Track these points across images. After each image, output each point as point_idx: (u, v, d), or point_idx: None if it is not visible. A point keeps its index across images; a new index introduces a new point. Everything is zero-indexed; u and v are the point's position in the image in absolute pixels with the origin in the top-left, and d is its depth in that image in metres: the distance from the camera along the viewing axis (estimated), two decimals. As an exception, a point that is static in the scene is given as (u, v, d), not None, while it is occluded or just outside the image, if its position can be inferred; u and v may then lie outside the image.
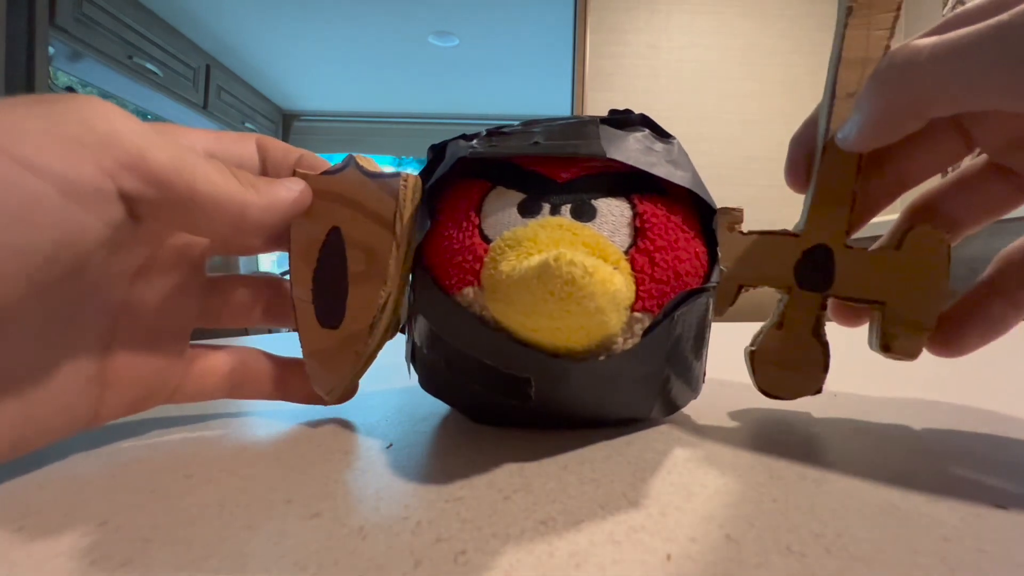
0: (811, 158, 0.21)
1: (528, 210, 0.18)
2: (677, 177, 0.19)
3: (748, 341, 0.23)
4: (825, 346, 0.21)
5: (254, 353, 0.21)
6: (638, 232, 0.18)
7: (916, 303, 0.20)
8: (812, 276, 0.21)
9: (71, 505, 0.14)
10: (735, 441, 0.19)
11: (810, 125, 0.21)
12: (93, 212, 0.13)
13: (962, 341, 0.20)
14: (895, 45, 0.19)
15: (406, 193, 0.18)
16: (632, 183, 0.19)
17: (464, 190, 0.19)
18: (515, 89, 2.94)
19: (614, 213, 0.18)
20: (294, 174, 0.19)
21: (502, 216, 0.18)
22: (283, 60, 2.65)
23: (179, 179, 0.14)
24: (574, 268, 0.13)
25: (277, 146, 0.20)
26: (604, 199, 0.18)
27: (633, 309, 0.17)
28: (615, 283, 0.14)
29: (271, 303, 0.22)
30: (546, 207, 0.18)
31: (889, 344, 0.20)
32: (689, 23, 1.76)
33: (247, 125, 2.82)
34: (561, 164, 0.19)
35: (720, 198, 0.20)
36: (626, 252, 0.18)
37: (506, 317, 0.16)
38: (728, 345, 0.21)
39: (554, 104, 2.99)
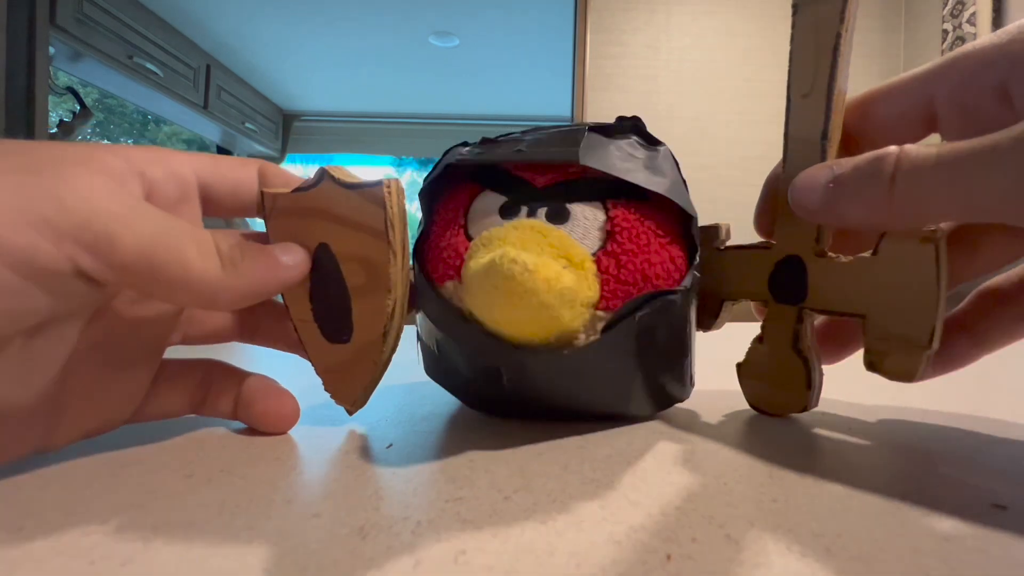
0: (777, 201, 0.21)
1: (508, 212, 0.19)
2: (653, 183, 0.19)
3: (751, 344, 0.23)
4: (806, 361, 0.20)
5: (221, 369, 0.21)
6: (608, 236, 0.19)
7: (900, 315, 0.17)
8: (786, 288, 0.21)
9: (71, 505, 0.14)
10: (735, 442, 0.19)
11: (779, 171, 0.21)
12: (47, 289, 0.13)
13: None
14: (849, 34, 0.19)
15: (392, 200, 0.18)
16: (612, 189, 0.19)
17: (458, 193, 0.21)
18: (515, 89, 2.93)
19: (587, 217, 0.19)
20: (261, 194, 0.19)
21: (485, 218, 0.20)
22: (283, 60, 2.65)
23: (146, 265, 0.14)
24: (514, 265, 0.15)
25: (278, 174, 0.20)
26: (579, 204, 0.19)
27: (597, 308, 0.18)
28: (562, 281, 0.16)
29: (244, 320, 0.21)
30: (524, 210, 0.19)
31: (876, 362, 0.18)
32: (689, 23, 1.76)
33: (247, 125, 2.82)
34: (541, 170, 0.20)
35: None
36: (594, 254, 0.18)
37: (475, 309, 0.17)
38: (731, 346, 0.21)
39: (554, 104, 2.98)
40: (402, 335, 0.20)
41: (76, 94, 1.81)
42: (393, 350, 0.19)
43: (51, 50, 1.59)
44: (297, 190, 0.19)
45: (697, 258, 0.20)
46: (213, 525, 0.13)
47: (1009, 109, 0.16)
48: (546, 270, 0.15)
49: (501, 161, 0.20)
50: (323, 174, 0.18)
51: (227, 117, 2.65)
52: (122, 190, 0.15)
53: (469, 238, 0.19)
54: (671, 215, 0.20)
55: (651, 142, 0.21)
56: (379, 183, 0.18)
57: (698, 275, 0.20)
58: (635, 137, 0.21)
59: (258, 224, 0.20)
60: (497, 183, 0.20)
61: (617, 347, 0.18)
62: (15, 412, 0.15)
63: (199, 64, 2.43)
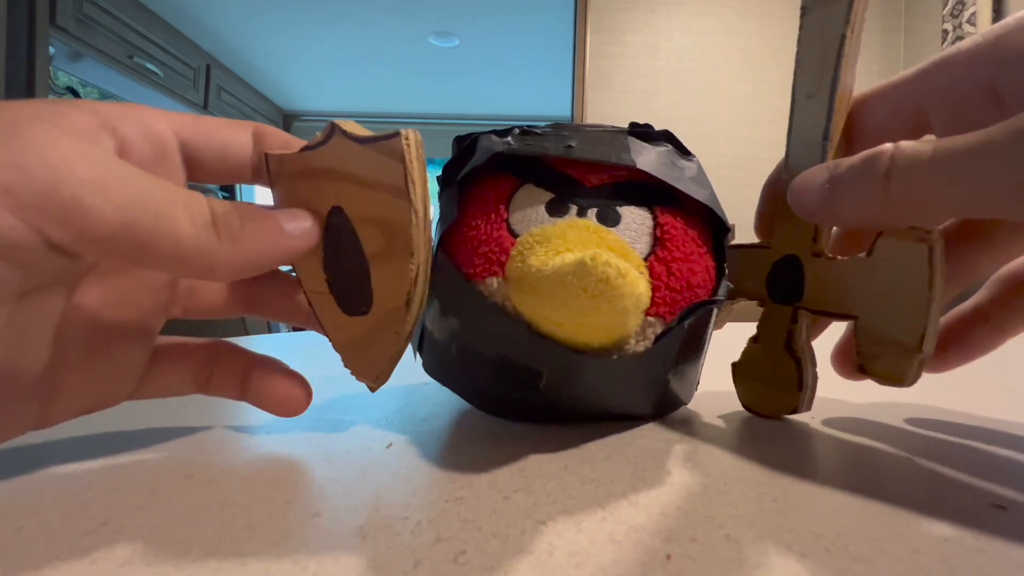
0: (777, 202, 0.21)
1: (556, 210, 0.19)
2: (697, 193, 0.20)
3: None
4: (799, 362, 0.20)
5: (227, 349, 0.20)
6: (658, 241, 0.19)
7: (891, 317, 0.17)
8: (782, 288, 0.21)
9: (71, 505, 0.14)
10: (735, 442, 0.19)
11: (780, 172, 0.21)
12: (14, 263, 0.12)
13: (941, 362, 0.20)
14: (855, 35, 0.19)
15: (411, 153, 0.16)
16: (653, 194, 0.20)
17: (493, 184, 0.20)
18: (515, 89, 2.93)
19: (637, 221, 0.19)
20: (265, 156, 0.17)
21: (530, 213, 0.19)
22: (283, 60, 2.65)
23: (128, 236, 0.13)
24: (609, 268, 0.14)
25: (276, 136, 0.18)
26: (628, 207, 0.19)
27: (647, 314, 0.18)
28: (640, 287, 0.15)
29: (250, 292, 0.20)
30: (573, 208, 0.19)
31: (866, 365, 0.17)
32: (689, 23, 1.76)
33: (247, 125, 2.82)
34: (590, 169, 0.20)
35: (719, 198, 0.20)
36: (645, 259, 0.18)
37: (531, 309, 0.17)
38: (733, 346, 0.22)
39: (554, 104, 2.99)
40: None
41: (76, 94, 1.81)
42: (417, 319, 0.17)
43: (51, 50, 1.59)
44: (305, 149, 0.17)
45: (726, 268, 0.20)
46: (213, 525, 0.13)
47: (998, 108, 0.16)
48: (631, 275, 0.14)
49: (551, 155, 0.19)
50: (333, 129, 0.17)
51: (227, 117, 2.64)
52: (94, 150, 0.13)
53: (512, 233, 0.19)
54: (705, 224, 0.20)
55: (684, 152, 0.21)
56: (396, 134, 0.16)
57: (731, 285, 0.20)
58: (670, 145, 0.21)
59: (249, 193, 0.19)
60: (542, 178, 0.20)
61: (664, 353, 0.18)
62: (6, 386, 0.14)
63: (199, 64, 2.43)
